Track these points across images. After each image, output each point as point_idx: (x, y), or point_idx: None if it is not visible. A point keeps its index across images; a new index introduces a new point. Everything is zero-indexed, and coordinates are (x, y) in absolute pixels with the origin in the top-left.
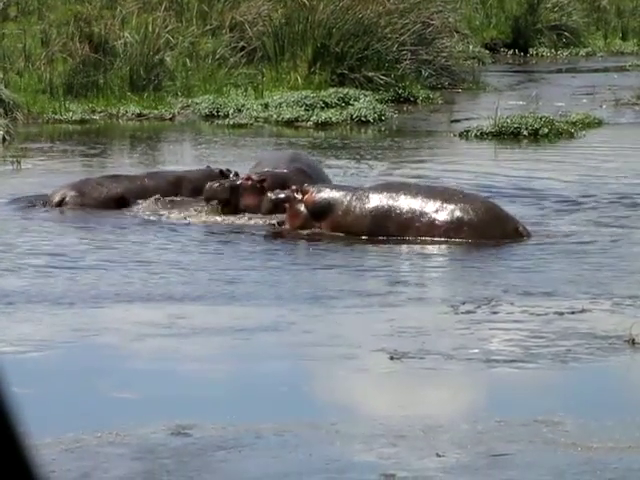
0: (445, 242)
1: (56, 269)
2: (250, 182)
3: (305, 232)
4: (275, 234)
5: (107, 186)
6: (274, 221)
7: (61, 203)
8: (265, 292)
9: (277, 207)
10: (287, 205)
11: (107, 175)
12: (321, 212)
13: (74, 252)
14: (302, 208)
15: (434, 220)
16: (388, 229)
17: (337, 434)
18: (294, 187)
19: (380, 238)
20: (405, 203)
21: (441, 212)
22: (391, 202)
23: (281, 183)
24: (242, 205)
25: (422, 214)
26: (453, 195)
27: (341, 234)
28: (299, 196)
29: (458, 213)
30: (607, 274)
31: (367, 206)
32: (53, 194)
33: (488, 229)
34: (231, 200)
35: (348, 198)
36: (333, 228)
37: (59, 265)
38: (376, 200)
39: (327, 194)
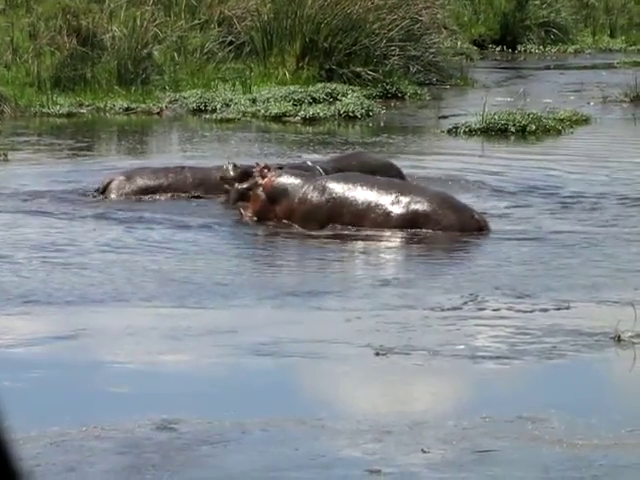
0: (406, 234)
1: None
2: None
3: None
4: (239, 224)
5: (156, 175)
6: (240, 209)
7: (106, 188)
8: (246, 289)
9: (244, 196)
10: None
11: (162, 166)
12: (277, 197)
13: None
14: (261, 192)
15: (389, 212)
16: (343, 219)
17: (323, 429)
18: (257, 171)
19: (344, 232)
20: (361, 194)
21: (396, 203)
22: (347, 193)
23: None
24: None
25: (377, 205)
26: (409, 187)
27: (294, 223)
28: (260, 180)
29: (413, 204)
30: (593, 271)
31: (323, 195)
32: (104, 179)
33: (444, 220)
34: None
35: (306, 186)
36: (287, 214)
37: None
38: (333, 190)
39: (286, 179)
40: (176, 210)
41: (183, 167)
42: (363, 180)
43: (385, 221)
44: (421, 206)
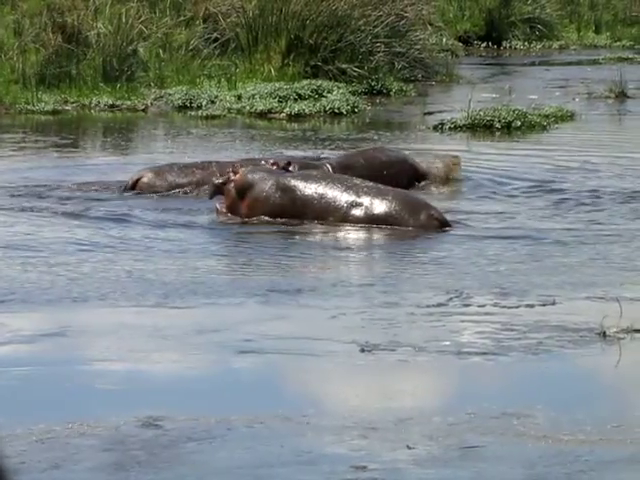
0: (388, 231)
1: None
2: (276, 167)
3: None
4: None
5: (185, 171)
6: (216, 204)
7: (136, 184)
8: (230, 287)
9: (219, 190)
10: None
11: (190, 162)
12: (244, 193)
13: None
14: (232, 187)
15: (347, 212)
16: (306, 217)
17: (308, 426)
18: (231, 168)
19: (319, 229)
20: (321, 194)
21: (355, 204)
22: (307, 192)
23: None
24: None
25: (336, 206)
26: (369, 187)
27: (259, 219)
28: (232, 176)
29: (371, 202)
30: (579, 267)
31: (284, 194)
32: (132, 175)
33: (402, 217)
34: None
35: (271, 182)
36: (251, 209)
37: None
38: (293, 189)
39: (254, 176)
40: (157, 207)
41: (210, 162)
42: (325, 180)
43: (343, 221)
44: (379, 206)
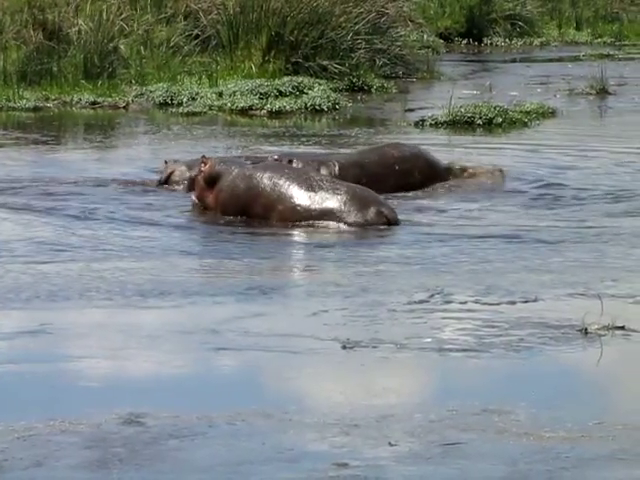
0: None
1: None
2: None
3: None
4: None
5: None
6: (192, 196)
7: (169, 178)
8: (210, 284)
9: (194, 183)
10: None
11: (233, 156)
12: (211, 183)
13: None
14: (200, 179)
15: (297, 204)
16: (255, 210)
17: (290, 423)
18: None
19: (289, 227)
20: (273, 186)
21: (305, 197)
22: (265, 180)
23: (311, 166)
24: None
25: (286, 198)
26: (322, 179)
27: (217, 211)
28: (203, 167)
29: (320, 197)
30: (560, 264)
31: (241, 186)
32: (165, 169)
33: (349, 211)
34: None
35: (235, 173)
36: (216, 200)
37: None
38: (252, 177)
39: (220, 168)
40: (134, 204)
41: (240, 157)
42: (281, 171)
43: (292, 214)
44: (328, 200)
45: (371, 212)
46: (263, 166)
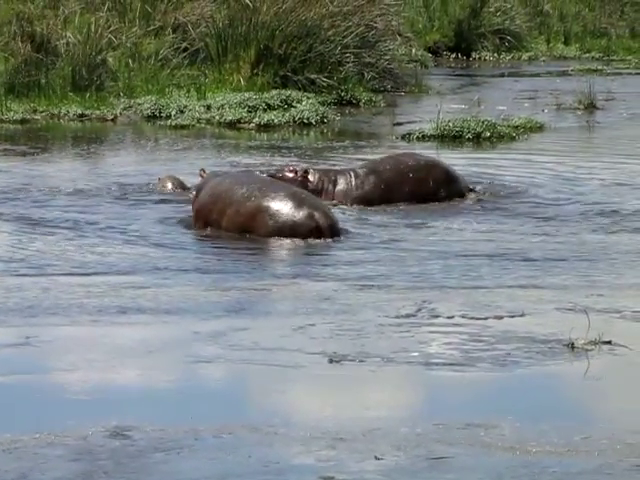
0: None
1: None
2: (292, 175)
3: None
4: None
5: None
6: None
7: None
8: (196, 297)
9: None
10: None
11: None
12: (198, 194)
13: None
14: (193, 190)
15: (237, 209)
16: (213, 216)
17: (276, 436)
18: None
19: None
20: (224, 193)
21: (243, 201)
22: (221, 186)
23: (330, 176)
24: None
25: (231, 203)
26: (265, 185)
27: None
28: (199, 180)
29: (256, 203)
30: (546, 279)
31: (207, 194)
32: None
33: (278, 218)
34: None
35: (209, 185)
36: (194, 209)
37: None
38: (213, 188)
39: (205, 178)
40: (121, 215)
41: (249, 169)
42: (241, 179)
43: (234, 217)
44: (261, 203)
45: (302, 214)
46: (231, 175)
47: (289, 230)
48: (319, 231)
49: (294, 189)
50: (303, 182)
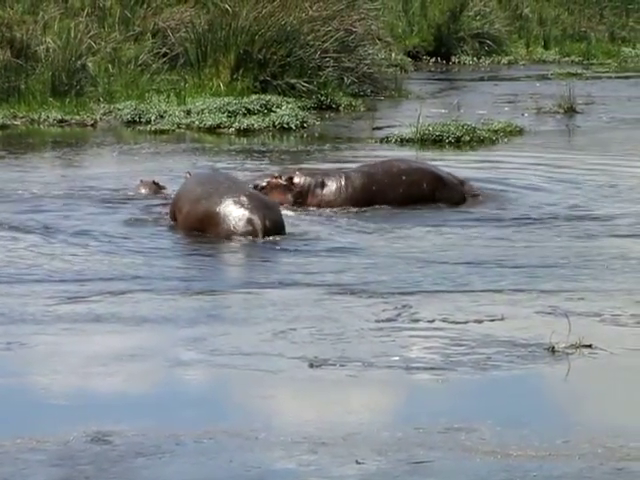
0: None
1: None
2: (278, 180)
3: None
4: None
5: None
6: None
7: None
8: (178, 300)
9: None
10: None
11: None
12: None
13: None
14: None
15: (190, 210)
16: (177, 216)
17: (257, 441)
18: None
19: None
20: (188, 194)
21: (198, 202)
22: (185, 191)
23: (316, 179)
24: None
25: (189, 204)
26: (218, 187)
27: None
28: None
29: (206, 203)
30: (527, 282)
31: (176, 191)
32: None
33: (223, 220)
34: None
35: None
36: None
37: None
38: (180, 190)
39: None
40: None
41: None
42: (197, 179)
43: (187, 217)
44: (210, 205)
45: (239, 219)
46: (198, 175)
47: (226, 233)
48: (255, 234)
49: (245, 192)
50: (289, 187)
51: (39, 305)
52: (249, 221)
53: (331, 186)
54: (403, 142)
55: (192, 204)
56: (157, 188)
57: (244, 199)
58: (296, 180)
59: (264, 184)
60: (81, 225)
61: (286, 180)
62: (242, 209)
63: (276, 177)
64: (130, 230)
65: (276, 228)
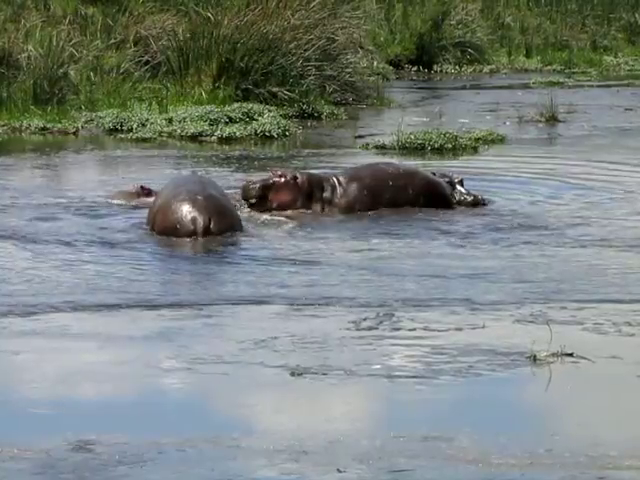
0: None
1: None
2: (284, 180)
3: None
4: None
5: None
6: None
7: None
8: (158, 309)
9: None
10: None
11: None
12: None
13: None
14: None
15: (157, 210)
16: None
17: (239, 450)
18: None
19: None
20: (163, 197)
21: (168, 203)
22: (162, 197)
23: (316, 181)
24: (275, 203)
25: (160, 206)
26: (183, 186)
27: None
28: None
29: (158, 203)
30: (509, 291)
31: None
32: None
33: (166, 217)
34: (264, 198)
35: None
36: None
37: None
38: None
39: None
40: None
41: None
42: (173, 182)
43: (156, 221)
44: (165, 201)
45: (182, 218)
46: (176, 178)
47: (172, 231)
48: (195, 234)
49: (204, 194)
50: (294, 186)
51: (19, 309)
52: (193, 220)
53: (326, 192)
54: (384, 149)
55: (158, 206)
56: (142, 194)
57: (199, 199)
58: (299, 181)
59: (270, 182)
60: (57, 234)
61: (291, 179)
62: (192, 208)
63: (280, 175)
64: (107, 239)
65: (221, 233)
